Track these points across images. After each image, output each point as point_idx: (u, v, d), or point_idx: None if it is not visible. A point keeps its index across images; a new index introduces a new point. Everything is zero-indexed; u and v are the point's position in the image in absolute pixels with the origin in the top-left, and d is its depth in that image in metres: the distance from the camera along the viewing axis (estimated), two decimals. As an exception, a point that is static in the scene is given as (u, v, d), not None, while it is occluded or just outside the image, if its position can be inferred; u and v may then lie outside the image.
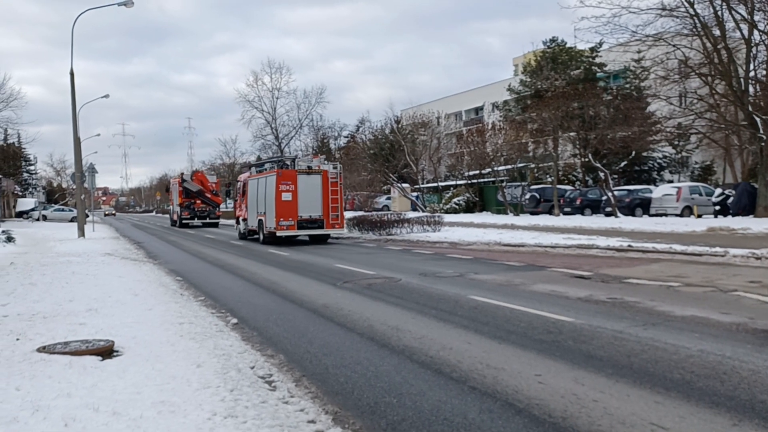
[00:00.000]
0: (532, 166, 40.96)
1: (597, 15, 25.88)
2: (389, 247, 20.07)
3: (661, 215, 28.14)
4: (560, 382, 5.14)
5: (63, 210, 62.25)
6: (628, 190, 32.60)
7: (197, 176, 45.10)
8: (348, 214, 32.70)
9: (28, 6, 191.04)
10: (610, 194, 30.30)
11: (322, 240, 23.29)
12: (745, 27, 25.07)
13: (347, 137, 70.27)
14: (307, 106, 66.60)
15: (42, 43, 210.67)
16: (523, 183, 38.14)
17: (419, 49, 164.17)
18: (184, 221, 42.56)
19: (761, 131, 24.88)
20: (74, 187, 37.11)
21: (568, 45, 44.48)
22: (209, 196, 43.56)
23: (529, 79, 46.11)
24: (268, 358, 6.30)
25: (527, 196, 36.89)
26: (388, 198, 50.62)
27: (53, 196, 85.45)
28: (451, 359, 5.98)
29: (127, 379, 5.10)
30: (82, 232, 27.46)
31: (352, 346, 6.75)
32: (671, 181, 38.80)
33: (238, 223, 28.63)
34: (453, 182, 47.16)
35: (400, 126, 52.96)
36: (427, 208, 40.29)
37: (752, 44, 25.19)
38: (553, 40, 45.60)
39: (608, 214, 30.08)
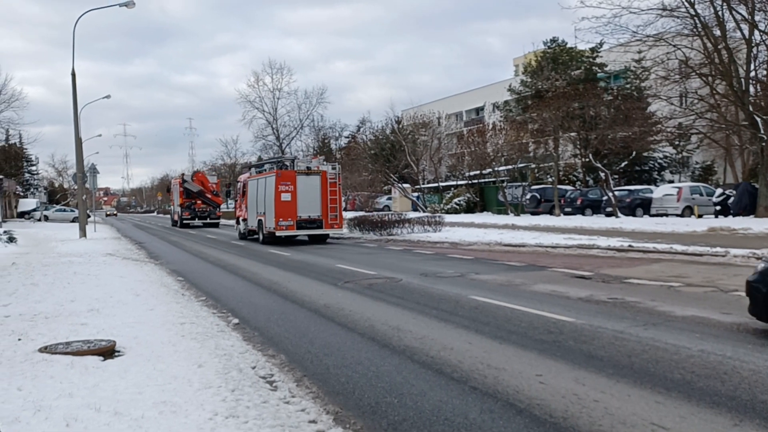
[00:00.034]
0: (533, 166, 40.93)
1: (597, 15, 25.92)
2: (390, 247, 20.08)
3: (661, 215, 28.13)
4: (561, 382, 5.15)
5: (64, 210, 62.31)
6: (629, 191, 32.58)
7: (198, 177, 45.13)
8: (349, 215, 32.80)
9: (29, 7, 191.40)
10: (610, 194, 30.29)
11: (321, 240, 23.38)
12: (745, 27, 25.07)
13: (348, 137, 70.32)
14: (308, 107, 66.66)
15: (43, 43, 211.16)
16: (524, 183, 38.12)
17: (420, 50, 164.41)
18: (184, 221, 42.62)
19: (762, 131, 24.87)
20: (76, 187, 37.14)
21: (568, 45, 44.49)
22: (210, 196, 43.62)
23: (529, 80, 46.10)
24: (270, 358, 6.31)
25: (528, 197, 36.88)
26: (389, 198, 50.64)
27: (55, 196, 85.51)
28: (452, 359, 5.99)
29: (129, 379, 5.11)
30: (83, 233, 27.48)
31: (353, 346, 6.76)
32: (672, 182, 38.78)
33: (238, 223, 28.72)
34: (454, 182, 47.15)
35: (400, 126, 52.95)
36: (428, 209, 40.28)
37: (753, 44, 25.18)
38: (553, 40, 45.60)
39: (609, 215, 30.07)
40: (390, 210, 42.72)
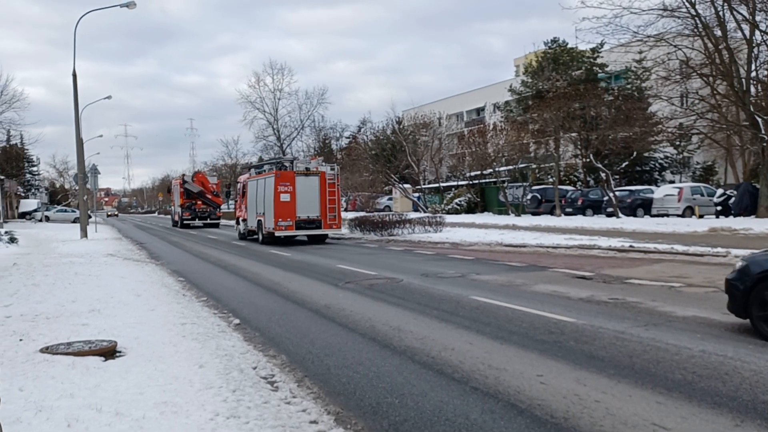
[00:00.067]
0: (534, 166, 40.90)
1: (598, 15, 25.88)
2: (391, 247, 20.08)
3: (662, 216, 28.10)
4: (562, 382, 5.15)
5: (66, 211, 62.34)
6: (630, 191, 32.56)
7: (198, 177, 45.22)
8: (350, 215, 32.86)
9: (30, 7, 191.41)
10: (611, 195, 30.27)
11: (320, 240, 23.48)
12: (746, 27, 25.06)
13: (349, 138, 70.32)
14: (308, 107, 66.65)
15: (44, 44, 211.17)
16: (525, 183, 38.11)
17: (421, 50, 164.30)
18: (185, 222, 42.70)
19: (763, 131, 24.85)
20: (77, 188, 37.17)
21: (569, 45, 44.44)
22: (210, 197, 43.71)
23: (530, 80, 46.08)
24: (271, 358, 6.31)
25: (529, 197, 36.86)
26: (390, 198, 50.64)
27: (56, 197, 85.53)
28: (453, 360, 5.99)
29: (130, 380, 5.11)
30: (84, 233, 27.49)
31: (354, 347, 6.76)
32: (673, 182, 38.74)
33: (238, 223, 28.82)
34: (454, 183, 47.13)
35: (401, 127, 52.94)
36: (429, 209, 40.27)
37: (754, 44, 25.16)
38: (554, 40, 45.56)
39: (610, 215, 30.05)
40: (391, 210, 42.70)
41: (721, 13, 24.90)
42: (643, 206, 30.22)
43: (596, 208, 32.77)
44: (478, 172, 41.43)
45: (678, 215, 27.62)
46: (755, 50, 25.43)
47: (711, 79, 26.63)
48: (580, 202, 34.11)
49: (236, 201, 30.82)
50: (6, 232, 24.06)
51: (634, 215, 29.51)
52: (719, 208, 27.26)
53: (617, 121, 31.63)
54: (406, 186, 47.34)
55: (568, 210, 34.00)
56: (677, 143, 38.02)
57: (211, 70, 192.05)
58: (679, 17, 25.13)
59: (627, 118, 31.43)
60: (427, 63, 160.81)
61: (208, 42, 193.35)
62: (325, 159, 51.57)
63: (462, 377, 5.43)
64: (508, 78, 62.38)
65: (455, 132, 58.69)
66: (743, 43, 25.64)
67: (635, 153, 34.15)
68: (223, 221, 45.23)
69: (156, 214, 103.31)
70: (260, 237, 23.96)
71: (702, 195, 29.00)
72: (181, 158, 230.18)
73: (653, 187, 33.76)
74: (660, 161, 40.48)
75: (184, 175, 46.51)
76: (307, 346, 6.89)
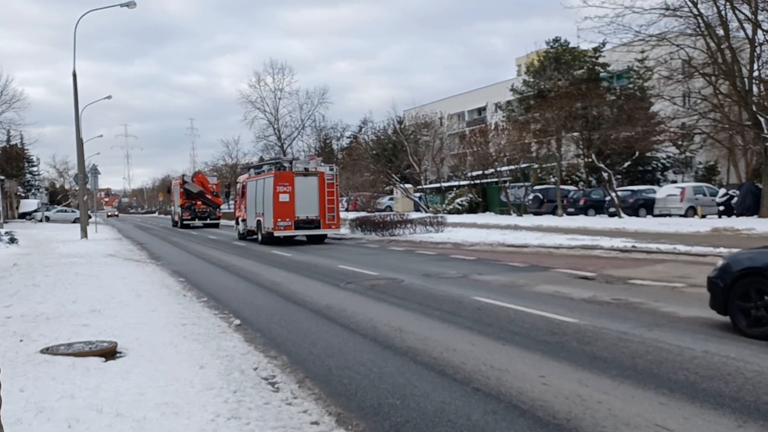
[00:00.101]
0: (536, 166, 40.88)
1: (600, 15, 25.75)
2: (392, 247, 20.07)
3: (665, 216, 28.07)
4: (564, 383, 5.13)
5: (66, 211, 62.40)
6: (632, 191, 32.52)
7: (198, 178, 45.34)
8: (351, 215, 32.88)
9: (30, 7, 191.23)
10: (613, 194, 30.23)
11: (320, 240, 23.55)
12: (748, 27, 25.03)
13: (350, 138, 70.35)
14: (309, 107, 66.75)
15: (44, 44, 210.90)
16: (527, 183, 38.08)
17: (422, 50, 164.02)
18: (185, 222, 42.78)
19: (765, 131, 24.82)
20: (77, 188, 37.19)
21: (571, 45, 44.37)
22: (210, 197, 43.82)
23: (532, 80, 46.04)
24: (271, 359, 6.30)
25: (530, 197, 36.84)
26: (391, 199, 50.60)
27: (56, 197, 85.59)
28: (455, 360, 5.97)
29: (131, 381, 5.10)
30: (84, 233, 27.51)
31: (355, 347, 6.74)
32: (675, 182, 38.70)
33: (237, 223, 28.91)
34: (456, 183, 47.08)
35: (402, 126, 52.97)
36: (430, 209, 40.24)
37: (756, 44, 25.13)
38: (556, 40, 45.49)
39: (612, 215, 30.02)
40: (392, 210, 42.65)
41: (723, 13, 24.89)
42: (646, 206, 30.18)
43: (598, 208, 32.74)
44: (480, 172, 41.41)
45: (680, 215, 27.58)
46: (758, 50, 25.40)
47: (713, 78, 26.60)
48: (582, 202, 34.08)
49: (236, 201, 30.93)
50: (6, 233, 24.07)
51: (637, 215, 29.47)
52: (722, 208, 27.22)
53: (619, 121, 31.61)
54: (408, 186, 47.33)
55: (570, 210, 33.97)
56: (679, 143, 37.99)
57: (212, 70, 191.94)
58: (681, 17, 25.12)
59: (629, 117, 31.42)
60: (428, 63, 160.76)
61: (208, 42, 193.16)
62: (326, 159, 51.78)
63: (464, 378, 5.42)
64: (510, 77, 62.36)
65: (457, 132, 58.70)
66: (746, 42, 25.61)
67: (637, 153, 34.10)
68: (222, 221, 45.28)
69: (156, 215, 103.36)
70: (259, 237, 24.01)
71: (704, 195, 28.96)
72: (182, 158, 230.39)
73: (655, 187, 33.72)
74: (662, 161, 40.44)
75: (184, 175, 46.59)
76: (308, 346, 6.87)
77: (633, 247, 15.24)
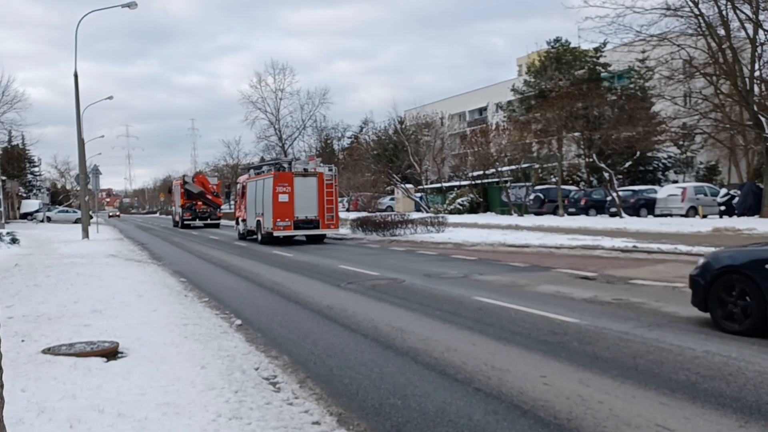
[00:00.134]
0: (536, 166, 40.85)
1: (601, 15, 25.72)
2: (393, 248, 20.07)
3: (666, 216, 28.04)
4: (565, 383, 5.13)
5: (67, 211, 62.41)
6: (633, 191, 32.49)
7: (198, 178, 45.50)
8: (352, 215, 32.91)
9: (32, 8, 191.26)
10: (614, 194, 30.22)
11: (319, 240, 23.68)
12: (749, 26, 25.02)
13: (351, 138, 70.41)
14: (310, 107, 66.89)
15: (45, 44, 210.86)
16: (527, 183, 38.04)
17: (423, 50, 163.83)
18: (185, 222, 42.91)
19: (766, 131, 24.80)
20: (78, 188, 37.23)
21: (572, 45, 44.38)
22: (210, 197, 43.98)
23: (533, 80, 46.04)
24: (273, 359, 6.30)
25: (531, 197, 36.83)
26: (392, 199, 50.58)
27: (57, 197, 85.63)
28: (456, 360, 5.97)
29: (132, 381, 5.11)
30: (86, 234, 27.53)
31: (356, 347, 6.74)
32: (676, 182, 38.67)
33: (237, 223, 29.06)
34: (457, 183, 47.07)
35: (403, 127, 52.95)
36: (431, 209, 40.23)
37: (757, 44, 25.11)
38: (557, 40, 45.49)
39: (613, 215, 30.00)
40: (393, 210, 42.65)
41: (724, 13, 24.88)
42: (647, 206, 30.16)
43: (599, 208, 32.73)
44: (481, 172, 41.40)
45: (681, 215, 27.55)
46: (759, 49, 25.38)
47: (714, 78, 26.58)
48: (583, 202, 34.06)
49: (236, 201, 31.09)
50: (8, 233, 24.09)
51: (638, 215, 29.45)
52: (723, 208, 27.21)
53: (620, 121, 31.59)
54: (409, 186, 47.32)
55: (571, 210, 33.95)
56: (680, 143, 37.96)
57: (213, 70, 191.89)
58: (682, 16, 25.11)
59: (630, 117, 31.39)
60: (429, 63, 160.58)
61: (209, 42, 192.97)
62: (327, 159, 51.80)
63: (465, 378, 5.42)
64: (511, 78, 62.36)
65: (457, 132, 58.70)
66: (747, 42, 25.60)
67: (638, 153, 34.07)
68: (223, 221, 45.35)
69: (157, 215, 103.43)
70: (259, 237, 24.17)
71: (705, 195, 28.93)
72: (183, 158, 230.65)
73: (656, 187, 33.69)
74: (663, 161, 40.41)
75: (184, 175, 46.70)
76: (309, 346, 6.87)
77: (634, 247, 15.23)
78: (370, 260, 16.07)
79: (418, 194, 45.76)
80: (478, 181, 41.95)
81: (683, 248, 14.12)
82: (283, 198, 22.26)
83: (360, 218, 26.66)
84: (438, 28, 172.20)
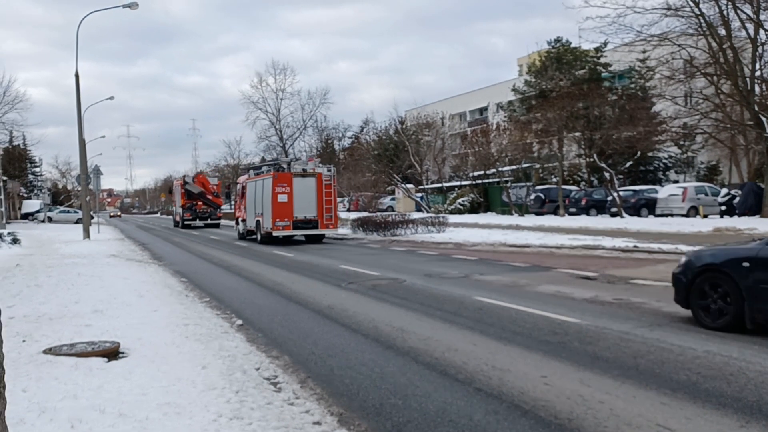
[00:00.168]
0: (537, 166, 40.83)
1: (602, 15, 25.75)
2: (394, 248, 20.07)
3: (666, 215, 28.02)
4: (566, 383, 5.13)
5: (68, 212, 62.42)
6: (634, 191, 32.46)
7: (199, 178, 45.69)
8: (352, 215, 32.94)
9: (33, 8, 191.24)
10: (615, 194, 30.20)
11: (318, 240, 23.80)
12: (750, 26, 25.01)
13: (351, 138, 70.43)
14: (311, 107, 66.93)
15: (46, 45, 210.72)
16: (528, 183, 38.02)
17: (423, 50, 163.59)
18: (186, 222, 43.05)
19: (767, 131, 24.78)
20: (79, 188, 37.24)
21: (572, 45, 44.31)
22: (210, 197, 44.14)
23: (533, 80, 46.00)
24: (273, 359, 6.30)
25: (532, 197, 36.82)
26: (393, 199, 50.58)
27: (58, 197, 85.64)
28: (457, 360, 5.97)
29: (133, 381, 5.11)
30: (87, 234, 27.55)
31: (357, 348, 6.75)
32: (677, 182, 38.62)
33: (237, 224, 29.20)
34: (457, 183, 47.05)
35: (404, 127, 52.93)
36: (432, 209, 40.22)
37: (758, 43, 25.10)
38: (557, 40, 45.46)
39: (614, 215, 29.98)
40: (393, 210, 42.64)
41: (725, 12, 24.88)
42: (647, 206, 30.14)
43: (600, 208, 32.71)
44: (482, 172, 41.38)
45: (682, 215, 27.52)
46: (759, 49, 25.38)
47: (715, 78, 26.58)
48: (583, 202, 34.04)
49: (236, 202, 31.24)
50: (9, 233, 24.09)
51: (638, 215, 29.44)
52: (724, 207, 27.19)
53: (621, 121, 31.57)
54: (409, 186, 47.31)
55: (572, 210, 33.94)
56: (681, 143, 37.92)
57: (213, 70, 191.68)
58: (683, 16, 25.10)
59: (631, 117, 31.36)
60: (430, 63, 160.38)
61: (209, 42, 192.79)
62: (328, 159, 51.79)
63: (466, 378, 5.42)
64: (512, 78, 62.31)
65: (458, 132, 58.67)
66: (747, 42, 25.60)
67: (639, 153, 34.06)
68: (223, 221, 45.43)
69: (158, 215, 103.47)
70: (258, 237, 24.30)
71: (706, 195, 28.90)
72: (184, 159, 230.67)
73: (657, 187, 33.65)
74: (664, 161, 40.38)
75: (185, 176, 46.84)
76: (310, 346, 6.88)
77: (635, 247, 15.23)
78: (370, 260, 16.08)
79: (419, 194, 45.75)
80: (479, 181, 41.94)
81: (684, 248, 14.07)
82: (282, 198, 22.42)
83: (361, 218, 26.68)
84: (438, 28, 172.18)
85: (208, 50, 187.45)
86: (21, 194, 64.22)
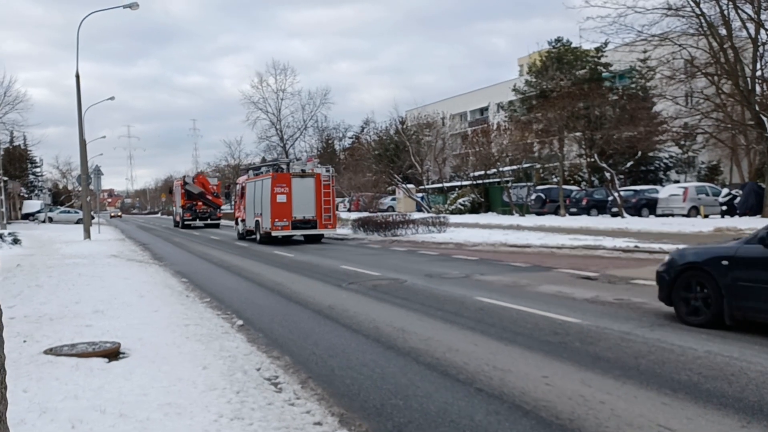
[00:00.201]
0: (538, 166, 40.82)
1: (602, 15, 25.77)
2: (394, 248, 20.06)
3: (667, 215, 28.01)
4: (567, 383, 5.12)
5: (69, 212, 62.42)
6: (635, 191, 32.46)
7: (199, 179, 45.85)
8: (353, 215, 32.97)
9: (33, 8, 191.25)
10: (616, 194, 30.19)
11: (316, 240, 23.90)
12: (751, 26, 25.00)
13: (352, 138, 70.44)
14: (311, 107, 66.96)
15: (47, 45, 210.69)
16: (529, 183, 38.02)
17: (424, 50, 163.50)
18: (186, 222, 43.16)
19: (768, 131, 24.78)
20: (80, 189, 37.26)
21: (573, 45, 44.29)
22: (210, 198, 44.28)
23: (534, 80, 45.99)
24: (274, 359, 6.30)
25: (533, 197, 36.82)
26: (393, 199, 50.58)
27: (59, 198, 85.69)
28: (458, 361, 5.97)
29: (134, 381, 5.11)
30: (87, 234, 27.56)
31: (358, 348, 6.74)
32: (678, 181, 38.60)
33: (237, 224, 29.29)
34: (458, 183, 47.06)
35: (404, 127, 52.91)
36: (432, 209, 40.22)
37: (759, 43, 25.09)
38: (558, 40, 45.44)
39: (614, 215, 29.98)
40: (394, 211, 42.64)
41: (725, 12, 24.87)
42: (648, 206, 30.13)
43: (601, 208, 32.71)
44: (482, 172, 41.37)
45: (683, 215, 27.51)
46: (760, 49, 25.37)
47: (716, 78, 26.57)
48: (584, 202, 34.04)
49: (235, 202, 31.36)
50: (9, 233, 24.10)
51: (639, 215, 29.43)
52: (724, 207, 27.18)
53: (622, 121, 31.56)
54: (410, 186, 47.31)
55: (573, 210, 33.94)
56: (682, 143, 37.91)
57: (214, 70, 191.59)
58: (683, 16, 25.10)
59: (631, 117, 31.35)
60: (430, 63, 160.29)
61: (210, 43, 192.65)
62: (329, 159, 51.77)
63: (467, 378, 5.42)
64: (512, 78, 62.29)
65: (459, 132, 58.69)
66: (748, 42, 25.58)
67: (640, 153, 34.04)
68: (223, 222, 45.49)
69: (159, 215, 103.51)
70: (258, 237, 24.41)
71: (707, 195, 28.89)
72: (184, 159, 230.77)
73: (658, 187, 33.65)
74: (665, 161, 40.37)
75: (185, 176, 46.98)
76: (310, 347, 6.87)
77: (636, 247, 15.22)
78: (371, 260, 16.07)
79: (420, 194, 45.75)
80: (480, 181, 41.93)
81: (685, 248, 14.09)
82: (281, 198, 22.56)
83: (361, 218, 26.69)
84: (439, 29, 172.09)
85: (209, 50, 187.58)
86: (21, 194, 64.26)
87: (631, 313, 7.87)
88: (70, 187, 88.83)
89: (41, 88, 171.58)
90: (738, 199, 26.78)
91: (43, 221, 53.89)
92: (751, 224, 19.75)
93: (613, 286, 10.15)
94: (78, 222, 48.15)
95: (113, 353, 6.00)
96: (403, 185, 46.82)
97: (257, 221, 24.41)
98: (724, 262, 6.76)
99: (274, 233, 22.75)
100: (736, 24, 25.18)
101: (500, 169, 38.40)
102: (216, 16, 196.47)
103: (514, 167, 38.92)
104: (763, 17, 24.59)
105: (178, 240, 29.83)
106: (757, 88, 26.51)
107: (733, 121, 28.80)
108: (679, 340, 6.38)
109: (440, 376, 5.55)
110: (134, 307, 8.87)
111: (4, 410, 2.59)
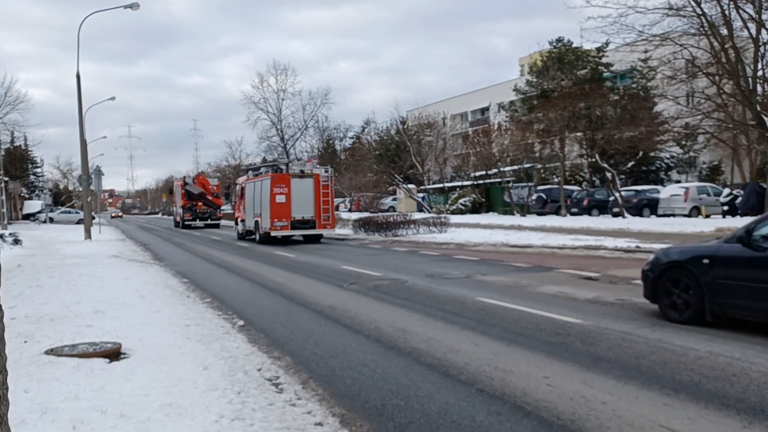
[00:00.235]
0: (539, 166, 40.81)
1: (603, 15, 25.65)
2: (395, 248, 20.06)
3: (668, 216, 27.99)
4: (569, 384, 5.12)
5: (69, 212, 62.44)
6: (636, 191, 32.45)
7: (199, 179, 46.01)
8: (354, 215, 33.01)
9: (34, 9, 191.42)
10: (617, 195, 30.17)
11: (316, 240, 23.99)
12: (752, 26, 24.92)
13: (353, 138, 70.41)
14: (312, 108, 66.98)
15: (48, 45, 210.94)
16: (530, 184, 38.01)
17: (425, 50, 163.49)
18: (186, 222, 43.29)
19: (769, 131, 24.74)
20: (81, 189, 37.29)
21: (574, 45, 44.24)
22: (210, 198, 44.43)
23: (535, 80, 45.97)
24: (275, 360, 6.30)
25: (534, 197, 36.80)
26: (394, 199, 50.57)
27: (60, 198, 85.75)
28: (459, 361, 5.96)
29: (135, 382, 5.11)
30: (88, 234, 27.58)
31: (359, 348, 6.74)
32: (679, 182, 38.58)
33: (236, 224, 29.36)
34: (459, 183, 47.05)
35: (405, 127, 52.89)
36: (433, 209, 40.21)
37: (760, 43, 25.03)
38: (559, 40, 45.41)
39: (616, 215, 29.96)
40: (395, 211, 42.65)
41: (726, 12, 24.79)
42: (650, 206, 30.11)
43: (602, 208, 32.69)
44: (483, 172, 41.35)
45: (684, 215, 27.49)
46: (761, 49, 25.29)
47: (717, 78, 26.51)
48: (585, 202, 34.02)
49: (235, 202, 31.44)
50: (10, 234, 24.12)
51: (641, 215, 29.41)
52: (726, 207, 27.15)
53: (623, 121, 31.53)
54: (411, 186, 47.29)
55: (574, 210, 33.92)
56: (683, 143, 37.88)
57: (214, 71, 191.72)
58: (684, 16, 25.02)
59: (633, 117, 31.32)
60: (431, 63, 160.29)
61: (210, 43, 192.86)
62: (329, 159, 51.78)
63: (468, 379, 5.41)
64: (513, 78, 62.24)
65: (460, 132, 58.68)
66: (749, 42, 25.52)
67: (641, 153, 34.04)
68: (223, 222, 45.56)
69: (159, 216, 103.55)
70: (257, 237, 24.49)
71: (708, 195, 28.88)
72: (185, 159, 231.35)
73: (659, 187, 33.63)
74: (666, 161, 40.35)
75: (185, 177, 47.13)
76: (311, 347, 6.87)
77: (637, 247, 15.21)
78: (372, 261, 16.07)
79: (421, 194, 45.74)
80: (481, 182, 41.91)
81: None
82: (280, 199, 22.68)
83: (362, 218, 26.68)
84: (439, 29, 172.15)
85: (209, 51, 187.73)
86: (22, 195, 64.31)
87: (632, 313, 7.87)
88: (70, 188, 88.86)
89: (42, 89, 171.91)
90: (739, 199, 26.75)
91: (44, 221, 53.92)
92: (753, 224, 19.73)
93: (615, 286, 10.14)
94: (79, 222, 48.17)
95: (114, 354, 6.00)
96: (404, 185, 46.81)
97: (257, 221, 24.49)
98: (705, 261, 6.97)
99: (273, 233, 22.86)
100: (737, 24, 25.13)
101: (501, 169, 38.39)
102: (216, 16, 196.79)
103: (515, 167, 38.89)
104: (764, 17, 24.54)
105: (179, 240, 29.84)
106: (759, 88, 26.44)
107: (735, 121, 28.76)
108: (681, 340, 6.37)
109: (441, 376, 5.55)
110: (135, 308, 8.87)
111: (5, 411, 2.58)
